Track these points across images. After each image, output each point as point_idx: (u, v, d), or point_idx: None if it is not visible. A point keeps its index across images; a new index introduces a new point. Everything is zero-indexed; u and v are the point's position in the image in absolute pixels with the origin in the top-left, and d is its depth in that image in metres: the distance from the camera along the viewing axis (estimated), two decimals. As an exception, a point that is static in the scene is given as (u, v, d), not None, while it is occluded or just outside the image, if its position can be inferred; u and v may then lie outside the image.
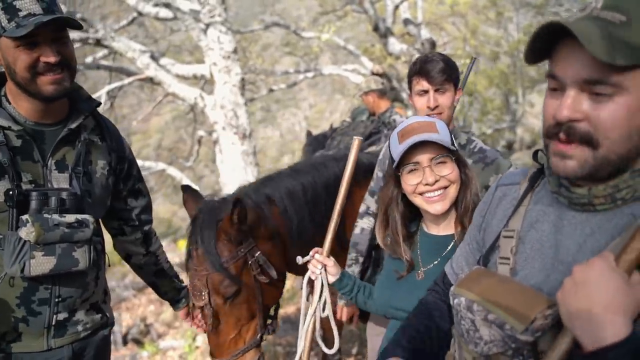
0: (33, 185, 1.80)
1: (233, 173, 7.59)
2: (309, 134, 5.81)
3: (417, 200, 1.74)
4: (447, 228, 1.79)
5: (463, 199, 1.73)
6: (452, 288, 1.22)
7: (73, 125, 1.87)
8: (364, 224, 2.56)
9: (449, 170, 1.71)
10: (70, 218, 1.79)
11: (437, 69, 2.25)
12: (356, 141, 1.96)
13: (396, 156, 1.72)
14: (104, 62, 8.44)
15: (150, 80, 7.40)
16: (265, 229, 2.52)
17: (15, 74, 1.72)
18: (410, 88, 2.39)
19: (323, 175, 2.76)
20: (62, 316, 1.87)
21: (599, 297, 0.89)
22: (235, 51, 7.53)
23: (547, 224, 1.14)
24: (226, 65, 7.49)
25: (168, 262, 2.44)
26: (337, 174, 2.75)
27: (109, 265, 2.15)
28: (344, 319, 2.61)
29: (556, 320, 0.99)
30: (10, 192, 1.72)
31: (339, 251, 2.60)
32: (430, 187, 1.69)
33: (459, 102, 2.58)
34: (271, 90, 10.63)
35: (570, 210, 1.11)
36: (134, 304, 8.52)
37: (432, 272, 1.74)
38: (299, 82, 11.07)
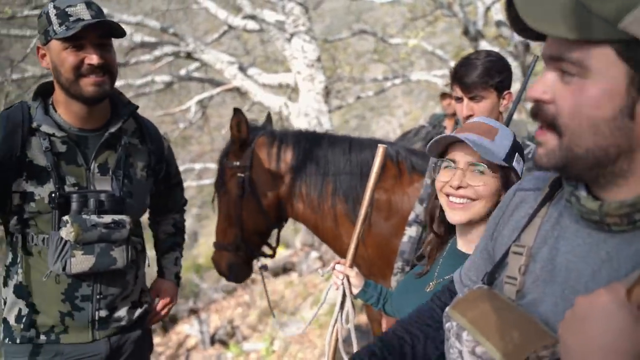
0: (77, 187, 1.91)
1: (316, 180, 7.68)
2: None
3: (442, 200, 1.58)
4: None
5: None
6: (446, 309, 1.07)
7: (113, 130, 1.97)
8: (411, 232, 2.49)
9: (481, 182, 1.51)
10: (107, 219, 1.88)
11: (472, 75, 2.11)
12: (380, 149, 1.83)
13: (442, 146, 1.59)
14: (196, 74, 8.87)
15: (237, 90, 7.67)
16: (269, 161, 2.96)
17: (60, 76, 1.84)
18: None
19: (352, 147, 2.95)
20: (103, 313, 1.97)
21: (598, 336, 0.74)
22: (319, 59, 7.62)
23: (562, 241, 0.97)
24: (310, 73, 7.60)
25: (167, 233, 2.46)
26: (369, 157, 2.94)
27: (149, 265, 2.24)
28: (384, 329, 2.54)
29: None
30: (53, 195, 1.84)
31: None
32: (454, 190, 1.53)
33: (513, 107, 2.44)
34: (359, 98, 10.66)
35: (586, 227, 0.93)
36: (223, 306, 8.84)
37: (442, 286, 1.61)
38: (386, 89, 11.01)
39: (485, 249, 1.20)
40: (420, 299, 1.56)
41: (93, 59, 1.81)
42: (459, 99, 2.21)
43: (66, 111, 1.93)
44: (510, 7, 0.89)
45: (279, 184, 2.96)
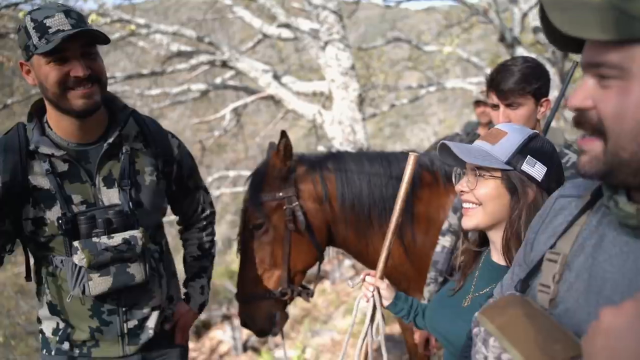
0: (85, 205, 1.85)
1: (350, 188, 7.64)
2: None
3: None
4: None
5: (510, 227, 1.50)
6: (476, 314, 1.05)
7: (111, 139, 1.88)
8: (445, 242, 2.43)
9: (483, 188, 1.51)
10: (117, 239, 1.82)
11: (509, 82, 2.06)
12: (412, 157, 1.80)
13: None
14: (231, 83, 8.97)
15: (272, 98, 7.72)
16: (315, 189, 2.68)
17: (47, 91, 1.75)
18: None
19: (391, 165, 2.75)
20: (132, 324, 1.96)
21: (623, 352, 0.71)
22: (353, 67, 7.62)
23: (599, 250, 0.94)
24: (344, 81, 7.60)
25: (192, 256, 2.32)
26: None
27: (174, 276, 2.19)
28: (416, 340, 2.50)
29: None
30: (60, 220, 1.79)
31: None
32: (462, 196, 1.56)
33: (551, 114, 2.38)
34: (392, 106, 10.61)
35: (625, 234, 0.90)
36: (256, 313, 8.87)
37: (479, 301, 1.56)
38: (421, 97, 10.94)
39: (523, 259, 1.17)
40: (458, 315, 1.56)
41: (78, 71, 1.71)
42: (495, 106, 2.17)
43: (59, 127, 1.85)
44: (544, 18, 0.89)
45: (327, 211, 2.69)
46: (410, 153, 1.82)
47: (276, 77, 7.93)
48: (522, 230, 1.47)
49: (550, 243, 1.04)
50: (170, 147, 2.08)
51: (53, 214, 1.82)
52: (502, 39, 9.90)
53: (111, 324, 1.93)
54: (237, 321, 8.32)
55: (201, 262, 2.30)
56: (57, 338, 1.95)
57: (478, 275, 1.63)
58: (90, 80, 1.75)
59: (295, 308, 8.48)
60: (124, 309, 1.94)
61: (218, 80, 8.87)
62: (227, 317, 8.69)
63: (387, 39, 10.25)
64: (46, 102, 1.84)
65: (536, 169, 1.51)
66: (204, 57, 7.40)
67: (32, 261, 1.99)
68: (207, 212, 2.32)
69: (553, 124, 2.70)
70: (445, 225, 2.47)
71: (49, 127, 1.87)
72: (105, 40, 1.76)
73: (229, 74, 8.80)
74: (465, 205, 1.56)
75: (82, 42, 1.72)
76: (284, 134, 2.60)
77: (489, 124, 4.65)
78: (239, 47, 9.97)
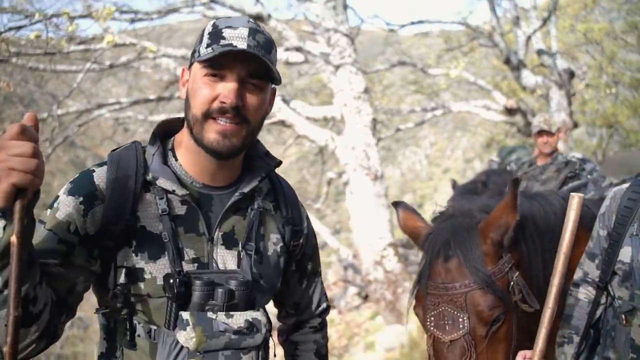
0: (196, 264, 1.43)
1: (364, 215, 7.39)
2: (454, 184, 5.02)
3: None
4: None
5: None
6: None
7: (246, 189, 1.48)
8: (580, 294, 2.02)
9: None
10: (239, 320, 1.36)
11: None
12: (576, 198, 1.51)
13: None
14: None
15: (282, 123, 7.49)
16: (516, 251, 1.90)
17: (189, 110, 1.41)
18: None
19: (549, 205, 2.07)
20: None
21: None
22: (366, 91, 7.45)
23: None
24: (357, 105, 7.40)
25: None
26: (561, 206, 2.02)
27: (275, 355, 1.61)
28: None
29: None
30: (171, 281, 1.34)
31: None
32: None
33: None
34: (398, 130, 10.45)
35: None
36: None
37: None
38: (427, 121, 10.81)
39: None
40: None
41: (228, 96, 1.34)
42: None
43: (188, 157, 1.47)
44: None
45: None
46: (572, 194, 1.51)
47: (285, 101, 7.71)
48: None
49: None
50: (301, 216, 1.67)
51: (157, 268, 1.39)
52: (507, 61, 9.85)
53: None
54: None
55: None
56: None
57: None
58: (237, 115, 1.37)
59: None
60: None
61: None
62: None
63: (392, 63, 10.13)
64: (185, 123, 1.46)
65: None
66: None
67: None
68: (324, 305, 1.84)
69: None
70: (579, 274, 2.07)
71: (174, 156, 1.49)
72: (276, 80, 1.41)
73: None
74: None
75: (251, 70, 1.38)
76: (516, 182, 1.80)
77: (553, 153, 4.56)
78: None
